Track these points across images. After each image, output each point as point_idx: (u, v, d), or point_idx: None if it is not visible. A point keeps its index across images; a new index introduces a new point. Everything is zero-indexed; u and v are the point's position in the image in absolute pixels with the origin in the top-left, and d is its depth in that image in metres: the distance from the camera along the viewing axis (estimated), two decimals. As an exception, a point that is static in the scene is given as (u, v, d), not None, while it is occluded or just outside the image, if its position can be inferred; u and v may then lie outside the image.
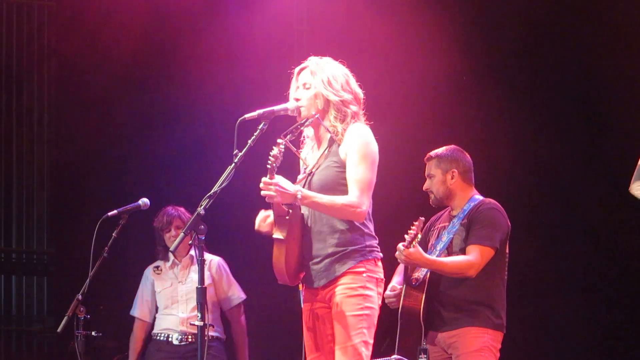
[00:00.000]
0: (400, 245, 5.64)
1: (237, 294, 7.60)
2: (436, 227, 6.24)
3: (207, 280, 7.35)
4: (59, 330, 6.11)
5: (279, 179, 4.82)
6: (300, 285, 5.15)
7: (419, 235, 5.66)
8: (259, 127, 4.91)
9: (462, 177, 6.15)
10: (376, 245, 5.10)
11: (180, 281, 7.45)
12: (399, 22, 8.53)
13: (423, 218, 5.67)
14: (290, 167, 5.17)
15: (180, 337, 7.38)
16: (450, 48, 8.38)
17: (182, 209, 7.52)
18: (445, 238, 6.07)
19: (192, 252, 7.38)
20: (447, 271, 5.91)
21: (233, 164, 4.81)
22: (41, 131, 10.08)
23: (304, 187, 5.00)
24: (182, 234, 4.84)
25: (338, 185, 5.00)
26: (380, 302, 5.09)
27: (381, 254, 5.11)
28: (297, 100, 5.10)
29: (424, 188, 6.21)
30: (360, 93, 5.16)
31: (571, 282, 8.19)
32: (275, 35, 9.26)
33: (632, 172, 7.41)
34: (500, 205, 6.10)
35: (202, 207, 4.80)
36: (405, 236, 5.65)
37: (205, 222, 4.74)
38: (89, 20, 9.50)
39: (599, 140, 8.19)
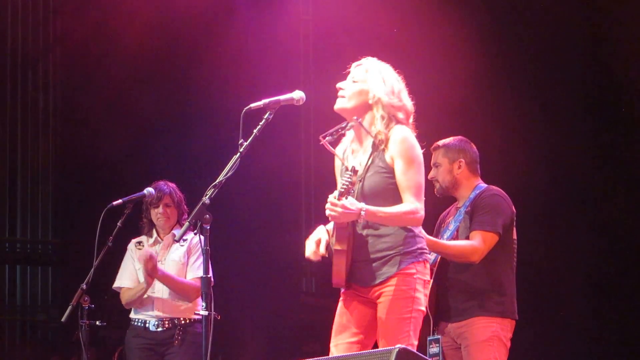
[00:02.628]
0: None
1: (198, 271, 7.23)
2: (446, 222, 6.24)
3: (183, 259, 7.10)
4: (63, 319, 6.08)
5: (345, 201, 4.81)
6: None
7: None
8: (265, 117, 4.89)
9: (469, 167, 6.15)
10: (425, 247, 5.14)
11: (160, 260, 7.13)
12: (407, 12, 8.49)
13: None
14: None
15: (156, 322, 7.09)
16: (462, 40, 8.32)
17: (174, 186, 7.13)
18: (452, 227, 6.08)
19: (175, 230, 7.17)
20: (450, 254, 5.90)
21: (238, 154, 4.79)
22: (47, 120, 10.08)
23: (355, 196, 4.99)
24: (187, 223, 4.81)
25: (387, 190, 5.02)
26: (427, 303, 5.11)
27: (430, 257, 5.17)
28: (340, 89, 5.09)
29: (429, 177, 6.19)
30: (411, 107, 5.15)
31: (581, 276, 8.14)
32: (281, 24, 9.23)
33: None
34: (503, 192, 6.09)
35: (208, 196, 4.78)
36: None
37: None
38: (96, 8, 9.48)
39: (611, 135, 8.14)
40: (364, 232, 5.06)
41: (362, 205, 4.87)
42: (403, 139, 5.01)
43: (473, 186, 6.14)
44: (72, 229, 9.65)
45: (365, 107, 5.08)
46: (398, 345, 4.15)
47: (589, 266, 8.14)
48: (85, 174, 9.55)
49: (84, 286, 6.07)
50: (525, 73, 8.37)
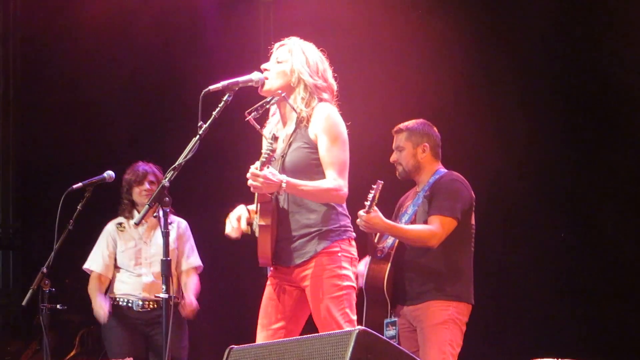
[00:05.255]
0: (360, 212, 5.66)
1: (197, 258, 7.44)
2: (404, 205, 6.26)
3: (172, 245, 7.21)
4: (23, 303, 6.08)
5: (267, 171, 4.82)
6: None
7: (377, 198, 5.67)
8: (224, 99, 4.91)
9: (432, 151, 6.19)
10: (349, 224, 5.14)
11: (145, 242, 7.29)
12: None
13: (382, 181, 5.68)
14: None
15: (141, 303, 7.23)
16: (436, 28, 8.29)
17: (153, 165, 7.42)
18: (410, 211, 6.10)
19: (160, 212, 7.20)
20: (409, 238, 5.92)
21: (197, 136, 4.79)
22: (6, 107, 10.02)
23: (277, 170, 4.99)
24: (146, 205, 4.84)
25: (310, 166, 5.03)
26: (355, 281, 5.11)
27: (354, 234, 5.15)
28: (265, 70, 5.10)
29: (391, 160, 6.21)
30: (334, 85, 5.18)
31: (547, 268, 8.17)
32: (240, 8, 9.22)
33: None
34: (463, 177, 6.13)
35: (167, 179, 4.80)
36: (366, 203, 5.67)
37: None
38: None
39: (588, 131, 8.14)
40: (287, 208, 5.04)
41: (283, 176, 4.88)
42: (327, 116, 5.02)
43: (434, 171, 6.17)
44: (32, 212, 9.62)
45: (289, 88, 5.09)
46: (358, 327, 4.14)
47: (558, 260, 8.16)
48: (45, 158, 9.52)
49: (45, 270, 6.06)
50: (504, 67, 8.32)
